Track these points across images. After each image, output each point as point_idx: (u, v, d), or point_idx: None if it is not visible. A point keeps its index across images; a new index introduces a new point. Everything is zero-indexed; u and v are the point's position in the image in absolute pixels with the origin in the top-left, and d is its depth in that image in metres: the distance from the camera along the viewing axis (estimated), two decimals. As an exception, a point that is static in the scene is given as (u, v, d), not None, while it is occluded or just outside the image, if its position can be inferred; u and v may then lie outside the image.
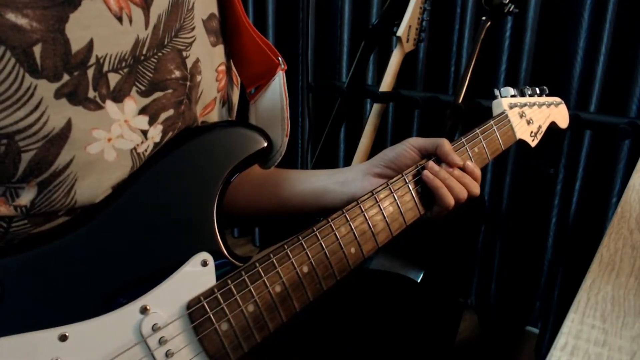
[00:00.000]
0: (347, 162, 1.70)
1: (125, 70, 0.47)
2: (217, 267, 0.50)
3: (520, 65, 1.48)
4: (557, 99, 0.91)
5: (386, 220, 0.60)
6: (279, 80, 0.59)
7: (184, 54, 0.51)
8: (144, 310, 0.45)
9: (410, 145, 0.67)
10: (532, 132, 0.81)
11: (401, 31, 1.40)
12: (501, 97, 0.79)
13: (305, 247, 0.54)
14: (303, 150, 1.99)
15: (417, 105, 1.44)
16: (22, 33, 0.40)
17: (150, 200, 0.49)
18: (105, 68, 0.45)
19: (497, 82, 1.53)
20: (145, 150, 0.50)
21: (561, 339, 0.46)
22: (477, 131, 0.71)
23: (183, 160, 0.51)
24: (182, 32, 0.51)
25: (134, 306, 0.45)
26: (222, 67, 0.59)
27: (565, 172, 1.53)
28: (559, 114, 0.90)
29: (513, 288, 1.71)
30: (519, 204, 1.62)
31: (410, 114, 1.73)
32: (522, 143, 0.80)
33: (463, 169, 0.66)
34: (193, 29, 0.52)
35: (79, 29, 0.43)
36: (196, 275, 0.48)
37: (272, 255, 0.52)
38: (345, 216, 0.57)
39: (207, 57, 0.55)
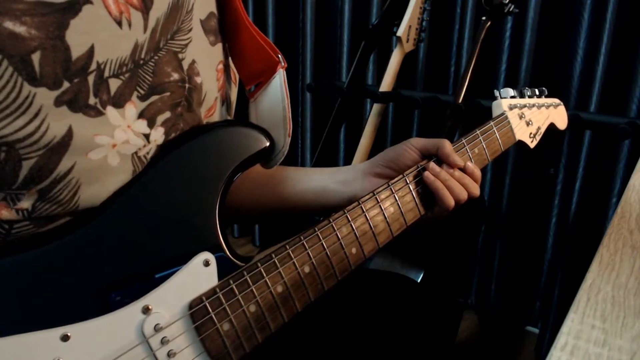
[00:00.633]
0: (347, 162, 1.70)
1: (127, 75, 0.46)
2: (217, 266, 0.50)
3: (520, 65, 1.48)
4: (556, 101, 0.91)
5: (387, 221, 0.60)
6: (280, 79, 0.58)
7: (180, 56, 0.51)
8: (146, 310, 0.45)
9: (411, 146, 0.67)
10: (531, 133, 0.81)
11: (401, 31, 1.40)
12: (501, 98, 0.79)
13: (307, 247, 0.54)
14: (303, 150, 1.99)
15: (417, 105, 1.44)
16: (20, 41, 0.39)
17: (153, 200, 0.49)
18: (106, 74, 0.45)
19: (497, 82, 1.53)
20: (147, 153, 0.50)
21: (561, 339, 0.46)
22: (477, 132, 0.71)
23: (185, 160, 0.51)
24: (179, 34, 0.51)
25: (136, 306, 0.45)
26: (221, 66, 0.59)
27: (565, 172, 1.53)
28: (558, 115, 0.90)
29: (513, 288, 1.71)
30: (519, 204, 1.62)
31: (410, 114, 1.73)
32: (521, 144, 0.80)
33: (463, 169, 0.66)
34: (190, 30, 0.52)
35: (80, 35, 0.42)
36: (198, 275, 0.48)
37: (273, 256, 0.52)
38: (346, 216, 0.57)
39: (206, 57, 0.55)
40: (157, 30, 0.48)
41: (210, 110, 0.57)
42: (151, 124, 0.49)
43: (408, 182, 0.63)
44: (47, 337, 0.42)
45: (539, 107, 0.85)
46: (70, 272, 0.45)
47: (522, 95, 0.82)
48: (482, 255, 1.73)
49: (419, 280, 1.00)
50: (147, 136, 0.49)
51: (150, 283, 0.47)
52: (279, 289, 0.52)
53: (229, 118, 0.63)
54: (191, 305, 0.47)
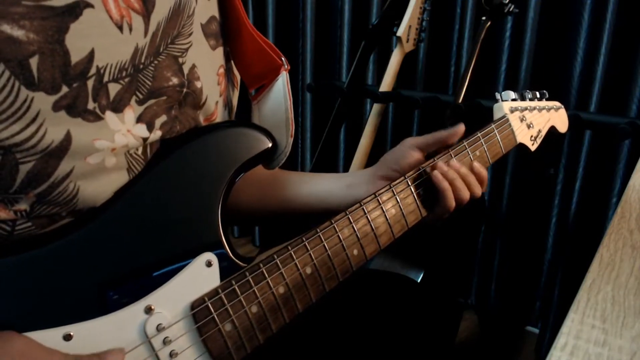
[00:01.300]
0: (347, 162, 1.70)
1: (127, 79, 0.46)
2: (219, 267, 0.50)
3: (520, 65, 1.48)
4: (557, 104, 0.91)
5: (388, 223, 0.61)
6: (283, 81, 0.58)
7: (180, 60, 0.51)
8: (148, 310, 0.46)
9: (410, 145, 0.67)
10: (532, 136, 0.82)
11: (401, 31, 1.40)
12: (502, 100, 0.80)
13: (309, 248, 0.54)
14: (303, 150, 1.99)
15: (417, 105, 1.44)
16: (18, 45, 0.39)
17: (155, 200, 0.49)
18: (106, 78, 0.44)
19: (497, 82, 1.53)
20: (138, 150, 0.49)
21: (561, 339, 0.46)
22: (479, 134, 0.71)
23: (187, 160, 0.51)
24: (179, 39, 0.50)
25: (139, 306, 0.46)
26: (222, 70, 0.59)
27: (565, 172, 1.53)
28: (559, 118, 0.90)
29: (513, 288, 1.71)
30: (519, 204, 1.62)
31: (410, 114, 1.73)
32: (521, 147, 0.80)
33: (471, 169, 0.67)
34: (190, 34, 0.52)
35: (80, 39, 0.42)
36: (200, 275, 0.49)
37: (276, 257, 0.52)
38: (348, 218, 0.57)
39: (207, 62, 0.55)
40: (157, 34, 0.48)
41: (213, 115, 0.57)
42: (150, 128, 0.49)
43: (410, 184, 0.63)
44: (49, 337, 0.42)
45: (540, 110, 0.85)
46: (73, 272, 0.45)
47: (523, 98, 0.83)
48: (482, 255, 1.73)
49: (418, 281, 1.00)
50: (145, 140, 0.49)
51: (153, 283, 0.47)
52: (281, 289, 0.52)
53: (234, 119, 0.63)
54: (193, 306, 0.47)
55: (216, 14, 0.57)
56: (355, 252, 0.57)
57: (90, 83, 0.43)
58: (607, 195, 1.45)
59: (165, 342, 0.46)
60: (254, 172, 0.57)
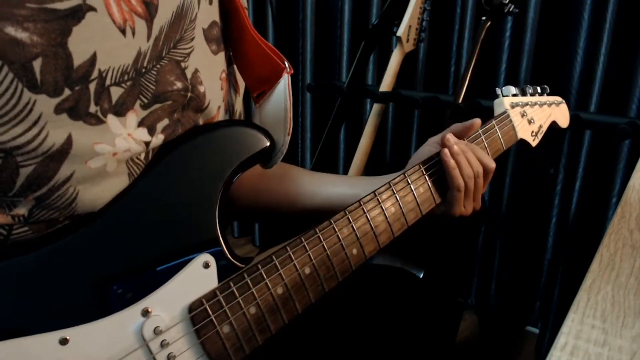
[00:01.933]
0: (347, 162, 1.69)
1: (128, 83, 0.46)
2: (217, 268, 0.50)
3: (520, 65, 1.48)
4: (558, 99, 0.91)
5: (388, 221, 0.60)
6: (284, 83, 0.58)
7: (183, 64, 0.51)
8: (145, 312, 0.45)
9: (431, 143, 0.69)
10: (533, 131, 0.81)
11: (401, 31, 1.40)
12: (503, 96, 0.79)
13: (308, 248, 0.53)
14: (303, 150, 1.99)
15: (417, 105, 1.44)
16: (21, 47, 0.39)
17: (152, 201, 0.49)
18: (108, 82, 0.44)
19: (497, 82, 1.53)
20: (140, 155, 0.49)
21: (561, 339, 0.46)
22: (480, 131, 0.71)
23: (184, 160, 0.51)
24: (181, 43, 0.50)
25: (136, 309, 0.45)
26: (224, 75, 0.59)
27: (565, 172, 1.53)
28: (560, 113, 0.90)
29: (513, 288, 1.71)
30: (519, 204, 1.62)
31: (410, 114, 1.73)
32: (522, 143, 0.80)
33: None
34: (192, 39, 0.52)
35: (82, 43, 0.42)
36: (198, 277, 0.48)
37: (274, 257, 0.52)
38: (347, 217, 0.57)
39: (208, 66, 0.55)
40: (160, 38, 0.48)
41: (213, 119, 0.57)
42: (152, 132, 0.49)
43: (410, 182, 0.63)
44: (45, 341, 0.41)
45: (541, 105, 0.84)
46: (69, 275, 0.44)
47: (524, 93, 0.82)
48: (482, 255, 1.73)
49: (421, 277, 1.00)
50: (147, 144, 0.49)
51: (148, 285, 0.47)
52: (280, 290, 0.51)
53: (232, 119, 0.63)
54: (191, 308, 0.47)
55: (217, 18, 0.57)
56: (354, 251, 0.57)
57: (92, 86, 0.43)
58: (607, 195, 1.45)
59: (163, 345, 0.46)
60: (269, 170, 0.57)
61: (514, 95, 0.80)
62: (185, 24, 0.51)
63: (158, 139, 0.50)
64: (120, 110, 0.46)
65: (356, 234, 0.57)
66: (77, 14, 0.41)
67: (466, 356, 1.66)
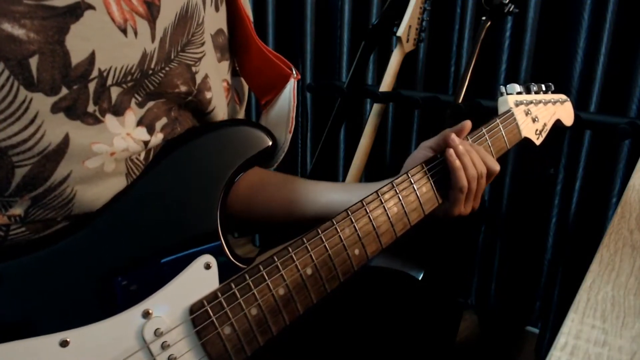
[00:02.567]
0: (347, 162, 1.69)
1: (130, 84, 0.45)
2: (218, 268, 0.50)
3: (520, 65, 1.48)
4: (563, 96, 0.89)
5: (390, 221, 0.60)
6: (290, 87, 0.59)
7: (194, 69, 0.50)
8: (146, 314, 0.45)
9: (424, 147, 0.68)
10: (537, 130, 0.80)
11: (401, 31, 1.40)
12: (507, 94, 0.78)
13: (310, 249, 0.53)
14: (303, 150, 1.99)
15: (417, 105, 1.44)
16: (18, 44, 0.38)
17: (153, 201, 0.49)
18: (109, 82, 0.44)
19: (497, 82, 1.53)
20: (140, 156, 0.49)
21: (561, 339, 0.46)
22: (484, 130, 0.70)
23: (186, 159, 0.51)
24: (191, 47, 0.50)
25: (136, 310, 0.45)
26: (225, 84, 0.59)
27: (565, 172, 1.53)
28: (564, 111, 0.88)
29: (513, 288, 1.71)
30: (519, 204, 1.62)
31: (410, 114, 1.73)
32: (526, 141, 0.79)
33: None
34: (203, 44, 0.51)
35: (80, 41, 0.41)
36: (199, 278, 0.48)
37: (276, 258, 0.51)
38: (350, 218, 0.57)
39: (215, 72, 0.55)
40: (165, 40, 0.47)
41: None
42: (151, 131, 0.49)
43: (413, 182, 0.63)
44: (45, 343, 0.41)
45: (545, 103, 0.83)
46: (69, 277, 0.44)
47: (528, 91, 0.80)
48: (482, 255, 1.73)
49: (420, 278, 1.00)
50: (146, 143, 0.48)
51: (149, 285, 0.47)
52: (281, 291, 0.51)
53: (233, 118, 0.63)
54: (192, 310, 0.47)
55: (224, 27, 0.57)
56: (356, 251, 0.57)
57: (92, 86, 0.43)
58: (607, 195, 1.45)
59: (164, 346, 0.45)
60: (267, 175, 0.56)
61: (519, 92, 0.79)
62: (192, 27, 0.50)
63: (157, 138, 0.49)
64: (118, 109, 0.45)
65: (358, 235, 0.57)
66: (75, 12, 0.41)
67: (466, 356, 1.66)
